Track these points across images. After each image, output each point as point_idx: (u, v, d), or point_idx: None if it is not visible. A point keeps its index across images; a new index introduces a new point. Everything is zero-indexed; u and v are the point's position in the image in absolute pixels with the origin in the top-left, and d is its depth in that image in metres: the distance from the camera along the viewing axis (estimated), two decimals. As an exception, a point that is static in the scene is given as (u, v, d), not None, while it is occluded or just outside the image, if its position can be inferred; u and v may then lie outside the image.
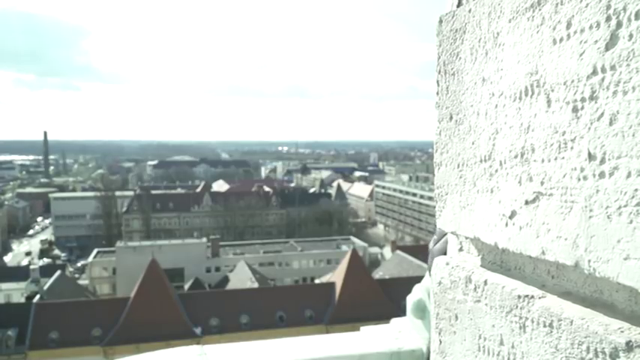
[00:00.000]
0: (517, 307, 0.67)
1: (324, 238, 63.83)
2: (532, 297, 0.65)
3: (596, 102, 0.56)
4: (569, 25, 0.60)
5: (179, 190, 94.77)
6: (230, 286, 45.09)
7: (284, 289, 43.23)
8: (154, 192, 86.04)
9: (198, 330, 35.88)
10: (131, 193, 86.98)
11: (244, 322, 36.48)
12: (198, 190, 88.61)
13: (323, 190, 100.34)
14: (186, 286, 47.17)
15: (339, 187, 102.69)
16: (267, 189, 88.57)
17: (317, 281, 48.61)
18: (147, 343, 32.14)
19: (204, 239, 57.52)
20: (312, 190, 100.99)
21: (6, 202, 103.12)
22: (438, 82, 0.87)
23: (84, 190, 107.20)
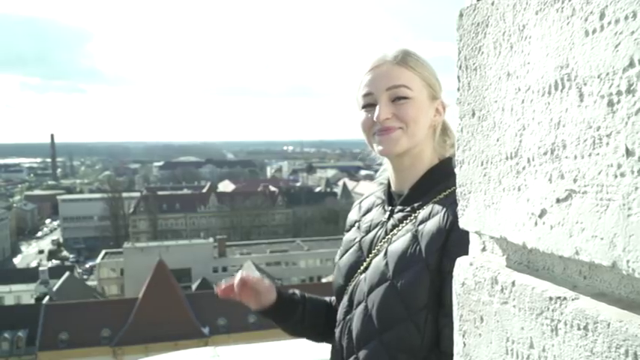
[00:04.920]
0: (548, 309, 0.65)
1: (331, 237, 63.67)
2: (564, 298, 0.63)
3: (633, 95, 0.54)
4: (602, 16, 0.58)
5: (185, 191, 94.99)
6: (237, 285, 45.11)
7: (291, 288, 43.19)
8: (160, 193, 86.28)
9: (206, 330, 36.00)
10: (138, 194, 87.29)
11: (252, 321, 36.52)
12: (205, 190, 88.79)
13: (329, 189, 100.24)
14: (194, 286, 47.34)
15: (344, 185, 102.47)
16: (272, 188, 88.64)
17: (324, 280, 48.58)
18: (155, 343, 32.32)
19: (211, 239, 57.65)
20: (317, 189, 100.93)
21: (15, 205, 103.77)
22: (458, 77, 0.84)
23: (91, 191, 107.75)
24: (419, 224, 1.32)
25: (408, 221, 1.36)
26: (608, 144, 0.56)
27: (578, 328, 0.60)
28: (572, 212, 0.61)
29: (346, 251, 1.51)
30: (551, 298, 0.65)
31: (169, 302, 36.09)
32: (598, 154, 0.58)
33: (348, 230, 1.58)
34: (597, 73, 0.58)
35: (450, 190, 1.35)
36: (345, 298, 1.44)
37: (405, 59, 1.36)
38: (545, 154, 0.65)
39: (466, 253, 1.23)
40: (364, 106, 1.39)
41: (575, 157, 0.61)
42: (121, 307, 37.26)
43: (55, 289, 44.32)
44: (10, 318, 35.95)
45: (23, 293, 47.44)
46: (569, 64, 0.62)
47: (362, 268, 1.41)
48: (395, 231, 1.37)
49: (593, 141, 0.58)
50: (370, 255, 1.40)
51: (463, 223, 0.84)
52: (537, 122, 0.67)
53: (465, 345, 0.82)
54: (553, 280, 0.68)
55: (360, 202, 1.64)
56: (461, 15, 0.84)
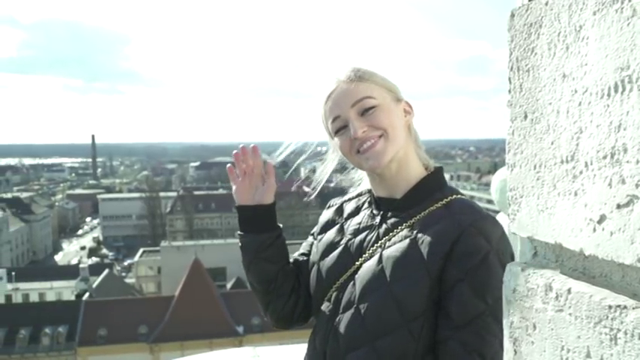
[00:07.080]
0: (607, 317, 0.63)
1: (364, 238, 63.34)
2: (624, 307, 0.61)
3: (702, 98, 0.52)
4: (666, 16, 0.56)
5: (221, 191, 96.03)
6: (271, 285, 45.40)
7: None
8: (196, 193, 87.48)
9: (240, 329, 36.36)
10: (174, 193, 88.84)
11: (285, 321, 36.70)
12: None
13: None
14: (229, 285, 47.85)
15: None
16: (306, 189, 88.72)
17: (357, 281, 48.39)
18: (191, 340, 32.83)
19: (246, 239, 58.06)
20: (351, 190, 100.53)
21: (57, 204, 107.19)
22: (510, 79, 0.83)
23: (130, 191, 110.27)
24: (418, 231, 1.30)
25: (403, 227, 1.33)
26: (674, 148, 0.55)
27: (640, 338, 0.59)
28: (633, 218, 0.59)
29: (328, 252, 1.46)
30: (610, 307, 0.63)
31: (205, 301, 36.62)
32: (663, 158, 0.56)
33: (323, 231, 1.56)
34: (662, 75, 0.56)
35: (447, 200, 1.35)
36: (329, 302, 1.40)
37: (357, 74, 1.37)
38: (604, 158, 0.64)
39: (471, 264, 1.22)
40: (336, 132, 1.40)
41: (638, 162, 0.59)
42: (158, 304, 38.01)
43: (94, 286, 45.57)
44: (51, 314, 37.16)
45: (64, 290, 48.96)
46: (630, 66, 0.60)
47: (351, 271, 1.37)
48: (389, 236, 1.34)
49: (658, 145, 0.56)
50: (360, 259, 1.37)
51: (514, 228, 0.82)
52: (596, 125, 0.65)
53: (515, 353, 0.80)
54: (611, 288, 0.66)
55: (342, 205, 1.62)
56: (512, 15, 0.82)
